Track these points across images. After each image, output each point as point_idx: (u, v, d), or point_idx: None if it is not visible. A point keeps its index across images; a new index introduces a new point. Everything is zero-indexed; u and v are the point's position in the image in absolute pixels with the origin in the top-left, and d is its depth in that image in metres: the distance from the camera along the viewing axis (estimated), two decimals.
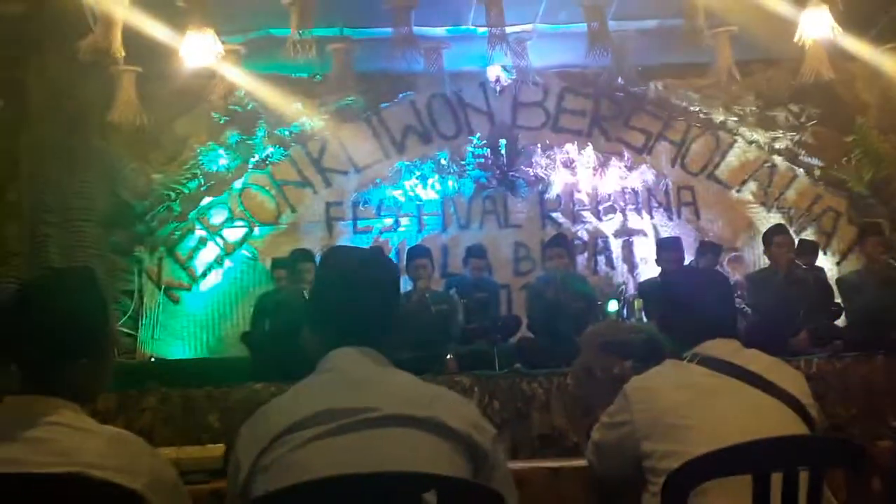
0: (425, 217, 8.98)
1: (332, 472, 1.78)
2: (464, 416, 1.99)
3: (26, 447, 2.09)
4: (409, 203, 8.98)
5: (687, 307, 2.78)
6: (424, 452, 1.89)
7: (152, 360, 8.01)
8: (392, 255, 8.43)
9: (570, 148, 9.08)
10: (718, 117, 9.11)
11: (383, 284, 2.24)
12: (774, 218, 8.77)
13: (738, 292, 7.49)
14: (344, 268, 2.26)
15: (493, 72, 8.27)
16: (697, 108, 9.11)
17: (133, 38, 6.85)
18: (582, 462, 2.92)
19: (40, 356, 2.16)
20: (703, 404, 2.50)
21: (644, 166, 9.13)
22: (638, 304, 7.36)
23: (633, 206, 9.08)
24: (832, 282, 7.56)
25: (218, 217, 8.76)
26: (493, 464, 2.00)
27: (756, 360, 2.60)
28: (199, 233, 8.68)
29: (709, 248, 7.96)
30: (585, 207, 9.06)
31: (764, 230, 8.11)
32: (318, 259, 7.65)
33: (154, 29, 6.96)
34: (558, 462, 3.41)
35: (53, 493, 2.00)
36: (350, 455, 1.86)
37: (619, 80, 8.83)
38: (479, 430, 1.99)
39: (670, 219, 9.04)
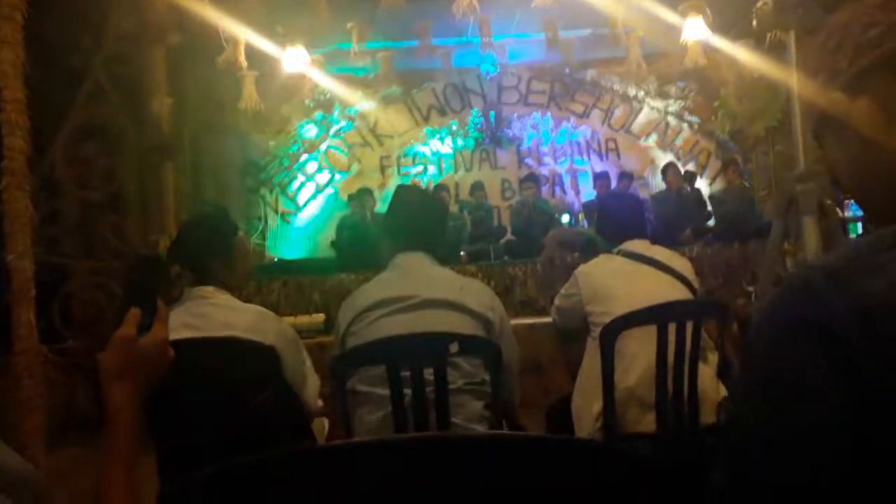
0: (444, 164, 8.89)
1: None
2: (482, 301, 1.99)
3: (199, 319, 2.12)
4: (433, 155, 8.88)
5: (614, 219, 2.77)
6: (451, 323, 1.91)
7: (276, 260, 8.07)
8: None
9: (536, 116, 8.95)
10: (631, 92, 8.91)
11: (435, 210, 2.24)
12: (668, 157, 8.65)
13: (646, 206, 7.46)
14: (409, 198, 2.25)
15: (485, 67, 8.10)
16: (618, 87, 8.92)
17: (252, 52, 6.77)
18: (548, 319, 2.94)
19: (195, 259, 2.17)
20: (625, 281, 2.51)
21: (584, 126, 8.97)
22: (581, 216, 7.34)
23: (578, 152, 8.94)
24: (706, 197, 7.50)
25: (311, 167, 8.68)
26: (499, 331, 2.01)
27: (660, 252, 2.60)
28: (300, 178, 8.64)
29: (625, 176, 7.91)
30: (546, 154, 8.93)
31: (661, 165, 8.05)
32: (375, 194, 7.66)
33: (265, 45, 6.86)
34: (533, 319, 3.43)
35: (219, 348, 2.05)
36: (404, 326, 1.88)
37: (567, 69, 8.70)
38: (492, 309, 2.00)
39: (601, 160, 8.91)
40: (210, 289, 2.16)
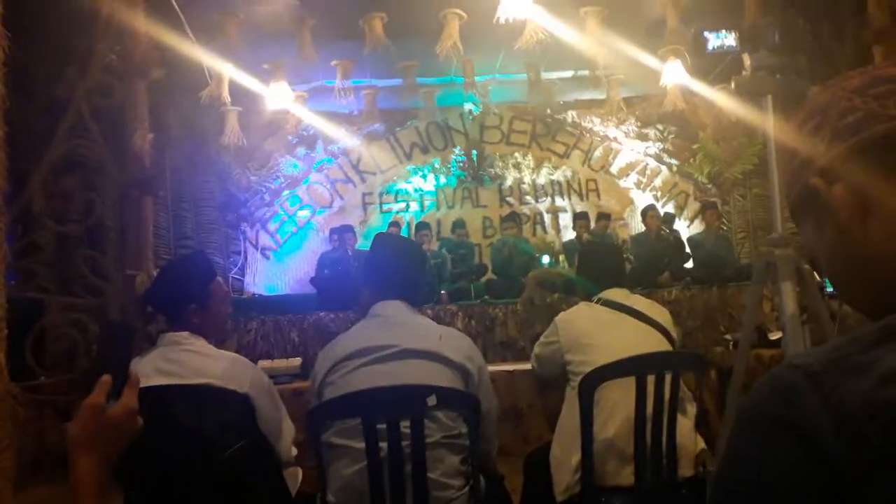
0: (426, 201, 8.91)
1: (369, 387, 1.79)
2: (461, 351, 1.97)
3: (173, 366, 2.10)
4: (415, 192, 8.91)
5: (594, 267, 2.78)
6: (429, 374, 1.89)
7: (254, 296, 7.99)
8: (405, 226, 8.45)
9: (518, 155, 9.02)
10: (612, 133, 9.02)
11: (414, 257, 2.23)
12: (647, 198, 8.74)
13: (625, 247, 7.50)
14: (389, 246, 2.24)
15: (468, 106, 8.18)
16: (598, 128, 9.02)
17: (236, 88, 6.79)
18: (527, 366, 2.92)
19: (170, 304, 2.16)
20: (605, 330, 2.50)
21: (564, 166, 9.05)
22: (562, 257, 7.36)
23: (558, 192, 9.01)
24: (684, 239, 7.56)
25: (293, 203, 8.68)
26: (478, 381, 1.99)
27: (639, 302, 2.60)
28: (281, 214, 8.61)
29: (603, 216, 7.94)
30: (527, 193, 8.99)
31: (641, 207, 8.11)
32: (357, 231, 7.64)
33: (249, 82, 6.89)
34: (513, 366, 3.41)
35: (192, 395, 2.02)
36: (381, 377, 1.86)
37: (548, 110, 8.80)
38: (471, 359, 1.98)
39: (581, 200, 8.98)
40: (185, 334, 2.13)
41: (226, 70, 6.54)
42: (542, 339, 2.68)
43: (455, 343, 2.00)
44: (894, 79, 0.70)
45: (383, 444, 1.76)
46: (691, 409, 2.43)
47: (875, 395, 0.53)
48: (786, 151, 0.79)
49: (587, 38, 6.18)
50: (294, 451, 2.22)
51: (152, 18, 5.03)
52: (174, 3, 5.41)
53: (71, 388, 4.20)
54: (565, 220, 8.82)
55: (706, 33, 1.74)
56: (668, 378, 2.23)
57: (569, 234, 8.49)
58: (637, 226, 8.40)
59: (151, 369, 2.09)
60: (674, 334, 2.55)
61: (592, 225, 7.79)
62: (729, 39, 1.69)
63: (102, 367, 1.07)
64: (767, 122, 1.63)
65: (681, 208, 8.81)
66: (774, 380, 0.59)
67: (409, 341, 1.92)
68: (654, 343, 2.44)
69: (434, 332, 2.02)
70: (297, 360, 3.48)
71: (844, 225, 0.69)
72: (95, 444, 1.04)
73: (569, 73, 7.93)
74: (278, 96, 7.04)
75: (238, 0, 5.72)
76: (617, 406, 2.29)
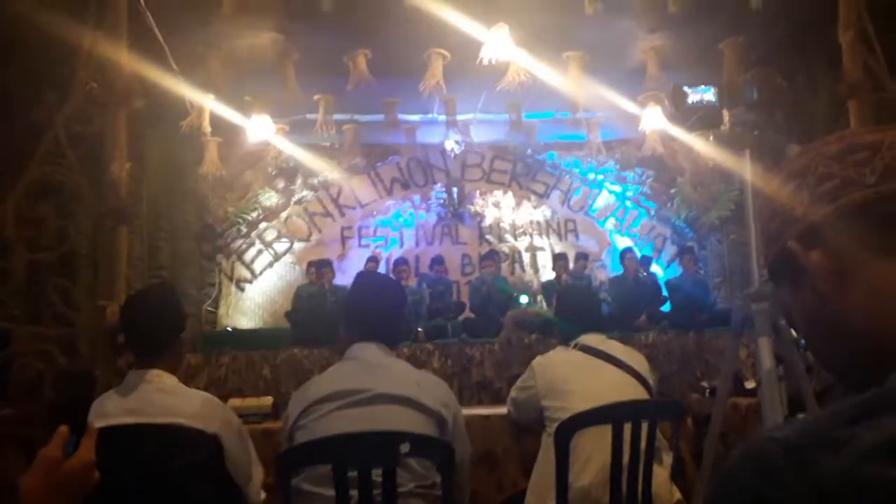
0: (405, 237, 8.88)
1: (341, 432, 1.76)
2: (437, 397, 1.94)
3: (142, 404, 2.07)
4: (394, 228, 8.89)
5: (571, 312, 2.78)
6: (404, 420, 1.86)
7: (227, 329, 7.89)
8: (384, 262, 8.42)
9: (498, 194, 9.06)
10: (591, 175, 9.11)
11: (394, 299, 2.20)
12: (625, 240, 8.81)
13: (603, 289, 7.53)
14: (369, 287, 2.21)
15: (449, 144, 8.21)
16: (577, 170, 9.11)
17: (216, 119, 6.79)
18: (503, 410, 2.90)
19: (141, 343, 2.14)
20: (581, 376, 2.50)
21: (544, 206, 9.10)
22: (540, 297, 7.36)
23: (537, 231, 9.04)
24: (662, 282, 7.60)
25: (270, 235, 8.59)
26: (452, 428, 1.96)
27: (615, 348, 2.61)
28: (258, 246, 8.53)
29: (582, 256, 7.96)
30: (507, 232, 9.01)
31: (619, 249, 8.17)
32: (335, 265, 7.59)
33: (229, 114, 6.88)
34: (488, 410, 3.37)
35: (162, 434, 1.99)
36: (354, 422, 1.83)
37: (529, 150, 8.89)
38: (446, 406, 1.95)
39: (560, 240, 9.02)
40: (156, 371, 2.10)
41: (207, 101, 6.54)
42: (518, 383, 2.67)
43: (431, 389, 1.97)
44: (871, 146, 0.70)
45: (354, 493, 1.72)
46: (667, 458, 2.42)
47: (853, 473, 0.53)
48: (764, 212, 0.80)
49: (569, 82, 6.28)
50: (263, 495, 2.17)
51: (136, 48, 5.03)
52: (158, 34, 5.42)
53: (35, 421, 4.09)
54: (544, 259, 8.85)
55: (686, 88, 1.77)
56: (644, 426, 2.22)
57: (547, 274, 8.50)
58: (615, 267, 8.44)
59: (119, 408, 2.04)
60: (651, 381, 2.55)
61: (571, 266, 7.82)
62: (708, 95, 1.72)
63: (59, 416, 1.05)
64: (745, 175, 1.65)
65: (658, 251, 8.88)
66: (753, 453, 0.58)
67: (384, 386, 1.89)
68: (630, 390, 2.43)
69: (411, 377, 1.99)
70: (269, 400, 3.41)
71: (822, 291, 0.69)
72: (51, 498, 1.00)
73: (550, 115, 8.02)
74: (259, 128, 7.05)
75: (222, 33, 5.74)
76: (593, 454, 2.27)
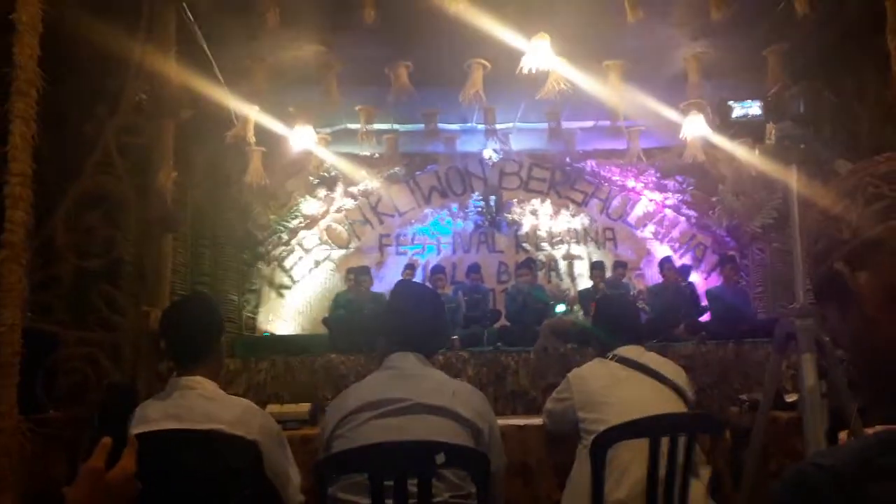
0: (442, 245, 8.93)
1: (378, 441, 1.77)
2: (473, 407, 1.94)
3: (184, 410, 2.10)
4: (432, 236, 8.94)
5: (609, 323, 2.75)
6: (439, 430, 1.86)
7: (266, 335, 7.98)
8: (420, 269, 8.45)
9: (536, 202, 9.05)
10: (630, 184, 9.03)
11: (432, 308, 2.21)
12: (665, 249, 8.70)
13: (641, 298, 7.43)
14: (407, 297, 2.22)
15: (488, 153, 8.22)
16: (617, 178, 9.04)
17: (261, 129, 6.90)
18: (538, 421, 2.88)
19: (181, 351, 2.20)
20: (618, 388, 2.47)
21: (582, 214, 9.06)
22: (577, 306, 7.30)
23: (575, 240, 9.00)
24: (701, 292, 7.48)
25: (311, 243, 8.70)
26: (488, 439, 1.95)
27: (653, 360, 2.57)
28: (299, 253, 8.63)
29: (620, 265, 7.94)
30: (544, 240, 8.99)
31: (659, 257, 8.07)
32: (373, 273, 7.64)
33: (274, 124, 6.99)
34: (524, 420, 3.34)
35: (202, 440, 2.01)
36: (391, 432, 1.83)
37: (567, 158, 8.84)
38: (481, 416, 1.95)
39: (598, 248, 8.96)
40: (198, 378, 2.14)
41: (252, 112, 6.65)
42: (554, 394, 2.65)
43: (467, 399, 1.97)
44: None
45: (389, 502, 1.73)
46: (705, 472, 2.38)
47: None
48: (811, 232, 0.78)
49: (608, 90, 6.23)
50: (302, 498, 2.19)
51: (183, 61, 5.13)
52: (205, 47, 5.53)
53: (79, 423, 4.18)
54: (581, 267, 8.80)
55: (731, 102, 1.75)
56: (682, 440, 2.19)
57: (584, 282, 8.45)
58: (654, 276, 8.34)
59: (161, 413, 2.08)
60: (689, 394, 2.51)
61: (609, 274, 7.75)
62: (754, 108, 1.69)
63: (104, 428, 1.08)
64: (791, 189, 1.62)
65: (699, 260, 8.76)
66: (800, 480, 0.57)
67: (421, 395, 1.89)
68: (668, 403, 2.40)
69: (447, 387, 1.99)
70: (306, 406, 3.45)
71: (870, 314, 0.67)
72: None
73: (589, 123, 7.97)
74: (302, 138, 7.14)
75: (267, 46, 5.83)
76: (629, 467, 2.25)
